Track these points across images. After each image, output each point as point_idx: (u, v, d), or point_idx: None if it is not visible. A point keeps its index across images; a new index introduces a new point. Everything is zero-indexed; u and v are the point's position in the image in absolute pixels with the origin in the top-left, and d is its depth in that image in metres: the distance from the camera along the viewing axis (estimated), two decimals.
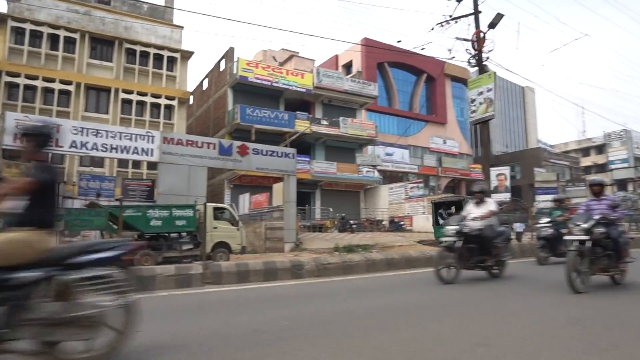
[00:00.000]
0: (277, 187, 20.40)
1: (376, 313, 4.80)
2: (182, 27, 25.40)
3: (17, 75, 20.65)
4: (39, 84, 21.04)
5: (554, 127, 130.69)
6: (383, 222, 26.95)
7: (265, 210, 21.33)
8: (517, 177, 43.32)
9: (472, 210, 7.56)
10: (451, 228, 7.12)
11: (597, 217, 5.99)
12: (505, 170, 39.02)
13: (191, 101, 32.69)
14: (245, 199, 24.38)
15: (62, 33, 21.90)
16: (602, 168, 55.85)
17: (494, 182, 35.38)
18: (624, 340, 3.57)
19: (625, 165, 54.13)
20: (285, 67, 29.35)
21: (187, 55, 25.23)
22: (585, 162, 57.01)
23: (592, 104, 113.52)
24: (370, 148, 32.91)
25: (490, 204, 7.60)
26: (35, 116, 14.05)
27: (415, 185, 29.84)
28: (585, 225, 5.84)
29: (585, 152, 60.08)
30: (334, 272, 8.48)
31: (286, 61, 33.01)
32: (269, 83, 26.96)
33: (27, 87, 21.05)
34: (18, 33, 21.28)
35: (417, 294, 6.37)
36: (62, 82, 21.67)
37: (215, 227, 13.10)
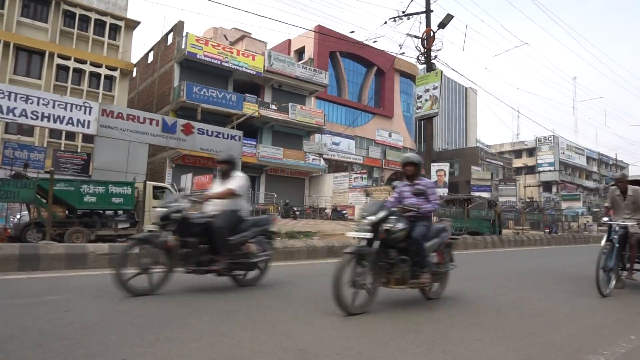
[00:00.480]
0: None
1: (313, 299, 4.88)
2: None
3: None
4: None
5: (492, 128, 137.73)
6: (326, 210, 27.29)
7: None
8: (456, 174, 45.38)
9: (216, 188, 5.40)
10: (158, 210, 4.85)
11: (395, 208, 4.43)
12: (445, 166, 40.72)
13: (134, 74, 31.13)
14: (187, 180, 23.70)
15: None
16: (531, 170, 59.78)
17: (433, 177, 36.83)
18: None
19: (552, 168, 58.31)
20: (236, 47, 28.65)
21: (132, 24, 23.94)
22: (517, 163, 60.70)
23: (527, 109, 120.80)
24: (317, 136, 33.05)
25: (235, 180, 5.27)
26: None
27: (360, 175, 30.43)
28: (372, 218, 4.13)
29: (518, 154, 63.95)
30: (275, 257, 8.47)
31: (237, 41, 32.22)
32: (219, 62, 26.23)
33: None
34: None
35: None
36: None
37: (154, 207, 12.66)
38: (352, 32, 38.45)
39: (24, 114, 12.45)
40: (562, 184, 57.65)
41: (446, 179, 39.92)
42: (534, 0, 26.68)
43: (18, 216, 12.86)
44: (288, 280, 6.33)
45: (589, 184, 64.72)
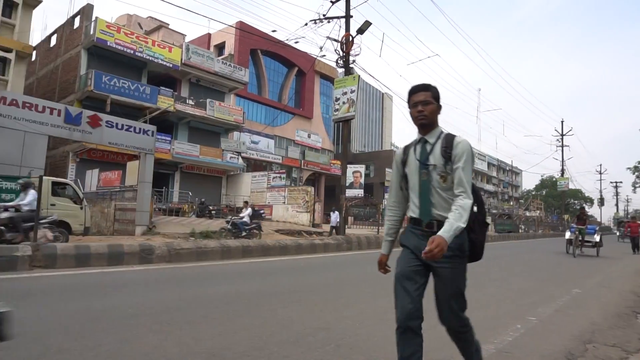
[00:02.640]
0: (132, 166, 18.89)
1: (225, 300, 4.79)
2: None
3: None
4: None
5: (406, 133, 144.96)
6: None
7: (117, 190, 19.60)
8: (371, 175, 47.05)
9: None
10: None
11: None
12: (361, 168, 42.06)
13: (34, 58, 28.31)
14: (93, 176, 22.07)
15: None
16: None
17: (350, 179, 37.89)
18: None
19: None
20: (151, 37, 27.20)
21: (32, 3, 21.70)
22: None
23: None
24: (236, 134, 32.47)
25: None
26: None
27: (278, 175, 30.39)
28: None
29: None
30: (187, 258, 8.20)
31: (153, 31, 30.62)
32: (132, 51, 24.71)
33: None
34: None
35: (268, 280, 6.52)
36: None
37: (53, 204, 11.60)
38: (274, 31, 38.27)
39: None
40: None
41: (362, 180, 41.26)
42: (446, 16, 28.57)
43: None
44: (200, 281, 6.14)
45: (489, 187, 70.58)
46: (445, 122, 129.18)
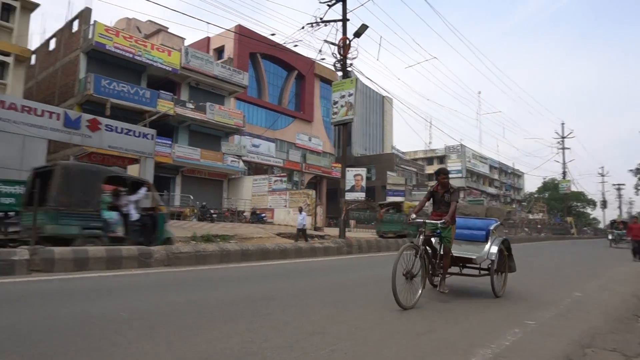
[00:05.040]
0: (133, 170, 18.90)
1: (222, 304, 4.75)
2: None
3: None
4: None
5: (406, 136, 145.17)
6: (244, 213, 26.84)
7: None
8: (373, 179, 47.00)
9: None
10: None
11: None
12: (362, 171, 41.96)
13: (33, 62, 28.37)
14: None
15: None
16: None
17: (351, 182, 37.82)
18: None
19: (460, 175, 62.71)
20: (151, 41, 27.25)
21: (30, 6, 21.75)
22: (429, 170, 64.36)
23: (437, 119, 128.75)
24: (236, 137, 32.48)
25: None
26: None
27: (279, 178, 30.38)
28: None
29: (430, 161, 67.89)
30: (186, 262, 8.17)
31: (153, 35, 30.71)
32: (131, 55, 24.75)
33: None
34: None
35: (266, 284, 6.48)
36: None
37: None
38: (272, 34, 38.26)
39: None
40: (468, 190, 62.11)
41: (363, 183, 41.20)
42: (443, 19, 28.57)
43: None
44: (197, 285, 6.10)
45: (491, 190, 70.49)
46: (446, 125, 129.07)
